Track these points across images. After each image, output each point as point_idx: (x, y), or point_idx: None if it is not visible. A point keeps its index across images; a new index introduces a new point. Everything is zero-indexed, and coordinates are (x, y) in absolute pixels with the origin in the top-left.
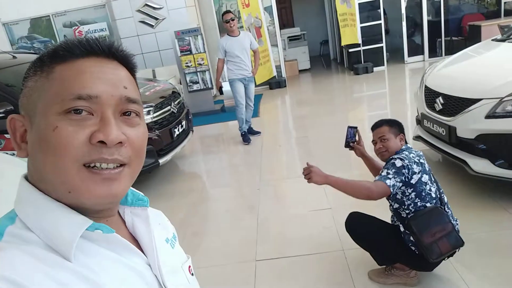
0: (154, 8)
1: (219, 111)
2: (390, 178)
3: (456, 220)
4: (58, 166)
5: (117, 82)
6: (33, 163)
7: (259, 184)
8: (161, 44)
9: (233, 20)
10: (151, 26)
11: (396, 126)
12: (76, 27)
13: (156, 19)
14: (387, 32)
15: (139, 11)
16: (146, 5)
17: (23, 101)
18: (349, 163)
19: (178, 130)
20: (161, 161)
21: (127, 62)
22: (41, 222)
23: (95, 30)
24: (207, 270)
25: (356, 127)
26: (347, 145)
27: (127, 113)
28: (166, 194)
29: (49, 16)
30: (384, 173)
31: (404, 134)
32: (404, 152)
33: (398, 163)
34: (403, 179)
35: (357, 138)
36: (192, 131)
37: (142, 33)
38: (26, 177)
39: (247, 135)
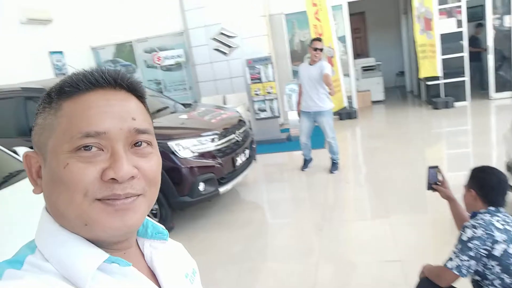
0: (228, 36)
1: (285, 140)
2: (452, 259)
3: None
4: (71, 202)
5: (125, 115)
6: (49, 198)
7: (322, 224)
8: (233, 71)
9: (321, 50)
10: (225, 54)
11: (471, 178)
12: (155, 52)
13: (230, 47)
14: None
15: (214, 39)
16: (222, 33)
17: (35, 139)
18: (424, 206)
19: (241, 159)
20: (221, 190)
21: (135, 90)
22: (58, 253)
23: (172, 56)
24: None
25: (437, 166)
26: (430, 187)
27: (137, 144)
28: (224, 224)
29: (131, 42)
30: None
31: (480, 191)
32: (480, 216)
33: (465, 234)
34: (473, 255)
35: (440, 178)
36: (255, 159)
37: (215, 60)
38: (47, 209)
39: (307, 163)
